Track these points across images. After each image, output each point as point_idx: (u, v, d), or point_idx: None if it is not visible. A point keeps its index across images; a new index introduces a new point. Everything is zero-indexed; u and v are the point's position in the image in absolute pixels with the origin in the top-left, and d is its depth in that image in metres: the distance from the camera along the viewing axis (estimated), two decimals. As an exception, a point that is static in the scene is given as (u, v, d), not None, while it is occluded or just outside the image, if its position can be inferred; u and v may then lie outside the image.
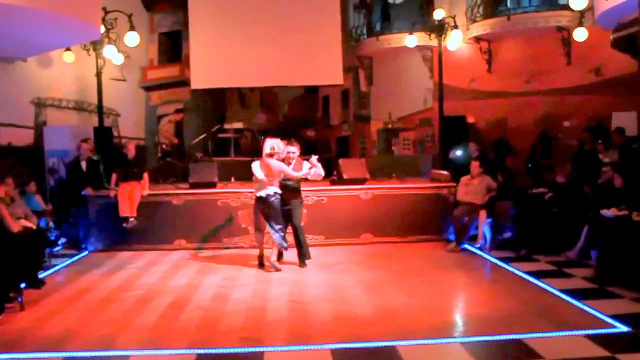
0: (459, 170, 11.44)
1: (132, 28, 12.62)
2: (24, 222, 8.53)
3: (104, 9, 11.82)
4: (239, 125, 16.77)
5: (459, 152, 12.56)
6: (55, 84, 14.24)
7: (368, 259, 9.66)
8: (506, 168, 11.51)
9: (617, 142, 10.56)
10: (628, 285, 7.32)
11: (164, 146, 15.81)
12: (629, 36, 10.17)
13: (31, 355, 5.52)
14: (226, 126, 16.03)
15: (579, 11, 12.71)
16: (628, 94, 11.71)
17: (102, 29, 11.84)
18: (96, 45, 12.54)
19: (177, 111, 16.58)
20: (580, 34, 13.08)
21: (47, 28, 10.19)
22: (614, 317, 6.20)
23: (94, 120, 14.12)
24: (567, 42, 14.03)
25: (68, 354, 5.53)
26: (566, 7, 12.86)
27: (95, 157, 11.65)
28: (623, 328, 5.89)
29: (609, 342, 5.51)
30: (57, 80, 14.27)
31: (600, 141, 10.91)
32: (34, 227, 8.80)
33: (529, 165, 13.18)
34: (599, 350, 5.32)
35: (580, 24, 13.08)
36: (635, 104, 9.11)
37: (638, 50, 8.95)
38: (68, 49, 13.41)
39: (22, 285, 7.25)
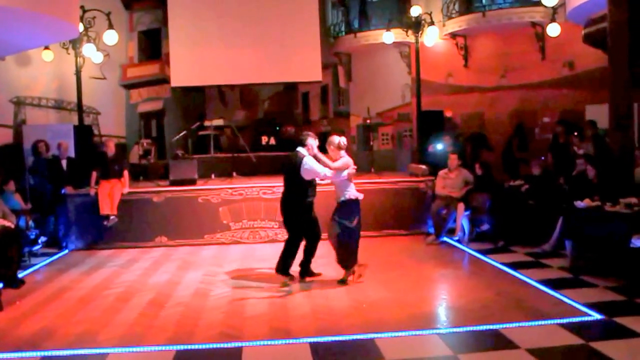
0: (436, 164, 11.57)
1: (110, 26, 12.61)
2: (2, 221, 8.49)
3: (82, 7, 11.78)
4: (219, 122, 16.78)
5: (439, 146, 12.66)
6: (34, 82, 14.10)
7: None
8: (484, 161, 11.63)
9: (589, 134, 10.73)
10: (601, 274, 7.50)
11: (144, 144, 15.77)
12: (599, 31, 10.32)
13: (10, 354, 5.48)
14: (206, 123, 16.02)
15: (552, 7, 12.91)
16: (600, 87, 11.89)
17: (81, 27, 11.80)
18: (75, 43, 12.54)
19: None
20: (553, 30, 13.27)
21: (24, 27, 10.11)
22: (588, 305, 6.32)
23: (74, 118, 14.06)
24: (540, 37, 14.20)
25: (47, 353, 5.50)
26: (539, 3, 13.00)
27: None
28: (596, 316, 6.01)
29: (583, 330, 5.60)
30: (36, 79, 14.14)
31: (576, 134, 11.08)
32: (13, 226, 8.77)
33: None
34: (573, 339, 5.41)
35: (553, 20, 13.30)
36: (606, 97, 9.26)
37: (608, 45, 9.08)
38: (47, 48, 13.29)
39: (1, 284, 7.24)
